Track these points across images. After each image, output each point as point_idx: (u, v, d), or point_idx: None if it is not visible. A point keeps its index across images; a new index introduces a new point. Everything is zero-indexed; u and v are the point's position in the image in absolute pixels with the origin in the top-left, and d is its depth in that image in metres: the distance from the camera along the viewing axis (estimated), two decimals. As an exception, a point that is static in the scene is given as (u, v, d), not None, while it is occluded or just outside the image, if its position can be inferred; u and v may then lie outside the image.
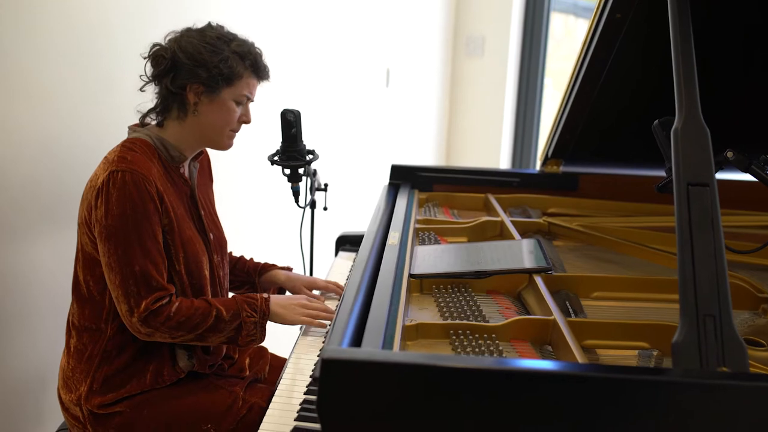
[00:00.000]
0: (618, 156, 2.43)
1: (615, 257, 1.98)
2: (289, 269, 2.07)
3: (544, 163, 2.52)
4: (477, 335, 1.39)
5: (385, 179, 2.58)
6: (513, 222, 2.09)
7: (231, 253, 2.06)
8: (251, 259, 2.07)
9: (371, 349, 1.15)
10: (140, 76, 1.68)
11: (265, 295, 1.72)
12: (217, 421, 1.63)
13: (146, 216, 1.56)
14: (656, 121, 1.50)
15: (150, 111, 1.68)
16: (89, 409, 1.63)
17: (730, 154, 1.41)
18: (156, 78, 1.66)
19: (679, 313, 1.10)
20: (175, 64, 1.62)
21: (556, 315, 1.41)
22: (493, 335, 1.40)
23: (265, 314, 1.69)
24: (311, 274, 2.32)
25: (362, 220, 3.47)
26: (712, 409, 1.01)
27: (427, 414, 1.02)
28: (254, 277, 2.03)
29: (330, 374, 1.02)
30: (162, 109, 1.67)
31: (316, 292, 2.01)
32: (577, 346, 1.27)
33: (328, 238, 2.63)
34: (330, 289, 2.03)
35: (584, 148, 2.39)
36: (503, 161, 4.52)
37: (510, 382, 1.02)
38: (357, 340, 1.24)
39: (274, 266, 2.05)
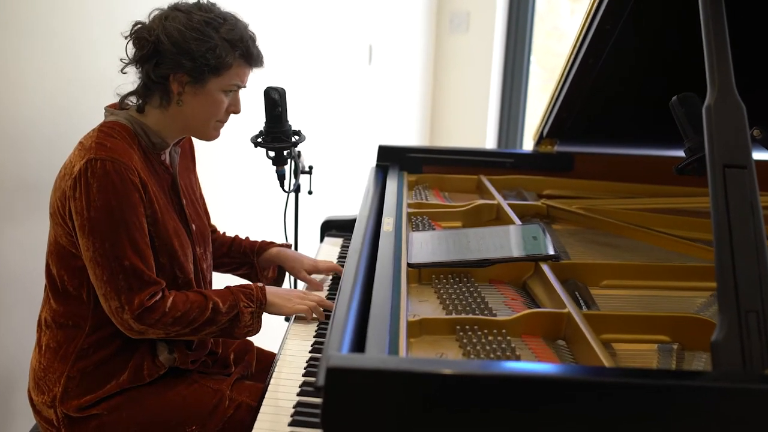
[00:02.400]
0: (616, 135, 2.34)
1: (616, 241, 1.89)
2: (288, 246, 1.97)
3: (539, 142, 2.42)
4: (486, 331, 1.29)
5: (369, 160, 2.46)
6: (509, 205, 1.99)
7: (224, 233, 1.95)
8: (246, 238, 1.96)
9: (380, 356, 1.04)
10: (121, 59, 1.54)
11: (260, 284, 1.62)
12: (203, 422, 1.52)
13: (131, 207, 1.44)
14: (674, 97, 1.40)
15: (130, 94, 1.55)
16: (64, 412, 1.50)
17: (756, 133, 1.31)
18: (137, 62, 1.52)
19: (718, 308, 1.00)
20: (158, 50, 1.48)
21: (570, 308, 1.31)
22: (503, 330, 1.29)
23: (262, 303, 1.59)
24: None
25: (347, 203, 3.37)
26: (757, 416, 0.92)
27: (446, 425, 0.92)
28: (252, 258, 1.92)
29: (336, 384, 0.92)
30: (143, 94, 1.53)
31: (317, 277, 1.92)
32: (598, 343, 1.17)
33: (312, 222, 2.51)
34: (333, 269, 1.93)
35: (581, 126, 2.29)
36: (489, 140, 4.42)
37: (538, 391, 0.92)
38: (359, 342, 1.13)
39: (272, 244, 1.95)
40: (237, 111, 1.60)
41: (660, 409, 0.92)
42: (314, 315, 1.67)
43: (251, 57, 1.55)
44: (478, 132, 4.39)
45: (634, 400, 0.92)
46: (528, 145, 4.53)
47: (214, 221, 1.91)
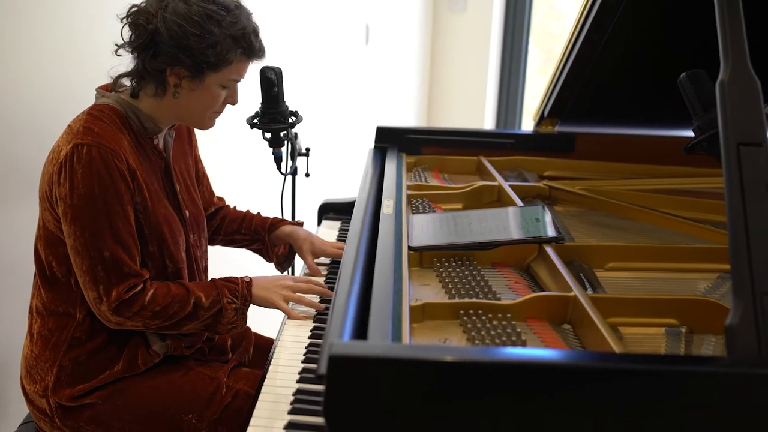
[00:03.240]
0: (618, 114, 2.29)
1: (620, 222, 1.85)
2: (300, 224, 1.93)
3: (539, 122, 2.37)
4: (490, 315, 1.26)
5: (367, 142, 2.42)
6: (511, 187, 1.95)
7: (234, 208, 1.91)
8: (258, 214, 1.92)
9: (383, 343, 1.01)
10: (115, 44, 1.47)
11: (247, 278, 1.57)
12: (200, 411, 1.49)
13: (116, 195, 1.39)
14: (683, 74, 1.36)
15: (123, 75, 1.48)
16: (57, 402, 1.47)
17: (769, 110, 1.27)
18: (133, 49, 1.45)
19: (732, 292, 0.96)
20: (156, 41, 1.40)
21: (576, 290, 1.28)
22: (508, 315, 1.26)
23: (247, 300, 1.55)
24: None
25: (345, 186, 3.32)
26: (774, 401, 0.89)
27: (451, 414, 0.89)
28: (263, 235, 1.89)
29: (339, 372, 0.88)
30: (138, 80, 1.47)
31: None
32: (606, 327, 1.14)
33: (310, 205, 2.47)
34: (339, 255, 1.87)
35: (583, 106, 2.24)
36: (488, 121, 4.37)
37: (547, 378, 0.88)
38: (361, 329, 1.10)
39: (283, 222, 1.91)
40: (234, 102, 1.56)
41: (673, 395, 0.88)
42: (306, 311, 1.62)
43: (253, 52, 1.49)
44: (477, 112, 4.33)
45: (646, 386, 0.88)
46: (527, 125, 4.48)
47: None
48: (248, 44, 1.47)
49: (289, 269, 2.00)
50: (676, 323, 1.29)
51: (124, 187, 1.40)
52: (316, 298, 1.66)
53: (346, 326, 1.08)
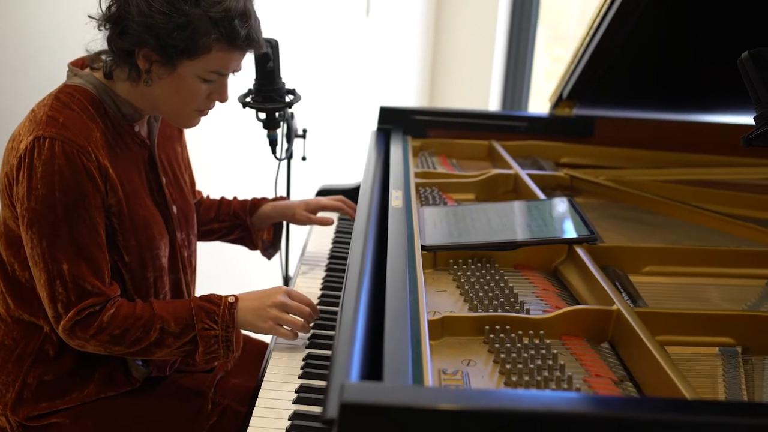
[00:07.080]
0: (647, 97, 2.11)
1: (645, 217, 1.69)
2: (283, 198, 1.73)
3: (556, 104, 2.19)
4: (520, 332, 1.08)
5: (367, 123, 2.23)
6: (528, 176, 1.77)
7: (208, 196, 1.72)
8: (234, 198, 1.72)
9: (405, 387, 0.82)
10: (88, 15, 1.24)
11: (231, 297, 1.31)
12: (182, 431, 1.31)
13: (81, 200, 1.19)
14: (745, 53, 1.18)
15: (102, 52, 1.27)
16: (17, 421, 1.29)
17: None
18: (104, 23, 1.22)
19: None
20: (123, 16, 1.18)
21: (619, 303, 1.11)
22: (541, 331, 1.09)
23: (230, 326, 1.28)
24: (288, 233, 1.97)
25: (344, 170, 3.14)
26: None
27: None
28: (244, 218, 1.68)
29: (352, 422, 0.71)
30: (112, 59, 1.25)
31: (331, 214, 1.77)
32: (660, 350, 0.98)
33: (306, 192, 2.29)
34: (337, 207, 1.74)
35: (607, 87, 2.07)
36: (493, 101, 4.17)
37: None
38: (373, 356, 0.92)
39: (264, 200, 1.70)
40: (223, 100, 1.31)
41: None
42: (300, 333, 1.36)
43: (236, 40, 1.22)
44: (481, 92, 4.13)
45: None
46: (534, 107, 4.28)
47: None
48: (229, 30, 1.20)
49: (278, 255, 1.80)
50: (732, 342, 1.13)
51: (92, 189, 1.20)
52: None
53: (354, 357, 0.89)
